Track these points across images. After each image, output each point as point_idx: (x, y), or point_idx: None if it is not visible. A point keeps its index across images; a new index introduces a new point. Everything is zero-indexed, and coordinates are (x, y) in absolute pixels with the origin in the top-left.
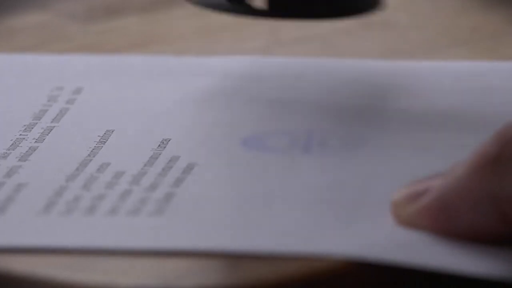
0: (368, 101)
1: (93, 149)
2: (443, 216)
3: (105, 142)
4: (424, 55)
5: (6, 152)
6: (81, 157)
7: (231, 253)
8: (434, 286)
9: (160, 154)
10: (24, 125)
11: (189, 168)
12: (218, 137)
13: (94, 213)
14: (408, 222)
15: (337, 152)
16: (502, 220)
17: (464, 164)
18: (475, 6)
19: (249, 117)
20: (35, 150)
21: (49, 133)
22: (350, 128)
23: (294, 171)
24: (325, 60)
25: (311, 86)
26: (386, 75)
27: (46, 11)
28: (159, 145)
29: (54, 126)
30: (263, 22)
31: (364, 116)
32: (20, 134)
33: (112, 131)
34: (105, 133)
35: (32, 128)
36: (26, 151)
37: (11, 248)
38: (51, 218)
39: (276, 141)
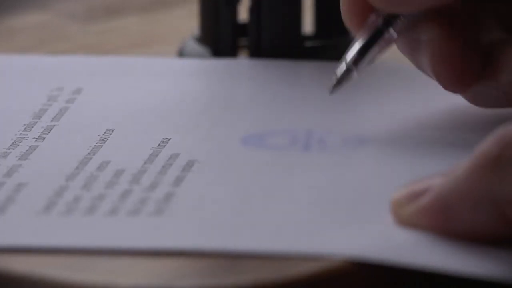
0: (367, 101)
1: (93, 148)
2: (443, 216)
3: (105, 141)
4: None
5: (6, 151)
6: (81, 156)
7: (231, 253)
8: (434, 286)
9: (160, 152)
10: (24, 124)
11: (189, 166)
12: (218, 136)
13: (94, 213)
14: (408, 222)
15: (337, 151)
16: (502, 220)
17: (464, 164)
18: None
19: (249, 117)
20: (35, 149)
21: (49, 132)
22: (350, 127)
23: (294, 170)
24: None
25: (311, 85)
26: (389, 74)
27: (46, 11)
28: (159, 144)
29: (54, 125)
30: None
31: (364, 115)
32: (20, 134)
33: (112, 131)
34: (105, 132)
35: (32, 127)
36: (26, 150)
37: (11, 248)
38: (51, 218)
39: (276, 140)
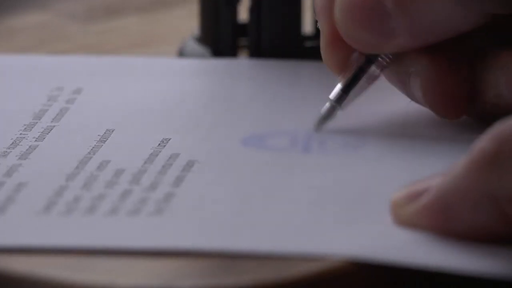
0: (366, 101)
1: (93, 147)
2: (442, 216)
3: (105, 141)
4: None
5: (6, 151)
6: (81, 155)
7: (231, 253)
8: (434, 286)
9: (160, 152)
10: (24, 125)
11: (189, 166)
12: (218, 137)
13: (94, 213)
14: (408, 222)
15: (337, 152)
16: (502, 220)
17: (462, 163)
18: None
19: (249, 117)
20: (35, 148)
21: (49, 132)
22: (350, 128)
23: (294, 171)
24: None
25: (311, 85)
26: None
27: (46, 11)
28: (159, 144)
29: (54, 126)
30: None
31: (364, 116)
32: (21, 134)
33: (112, 131)
34: (105, 133)
35: (33, 127)
36: (27, 150)
37: (11, 248)
38: (51, 218)
39: (276, 141)
